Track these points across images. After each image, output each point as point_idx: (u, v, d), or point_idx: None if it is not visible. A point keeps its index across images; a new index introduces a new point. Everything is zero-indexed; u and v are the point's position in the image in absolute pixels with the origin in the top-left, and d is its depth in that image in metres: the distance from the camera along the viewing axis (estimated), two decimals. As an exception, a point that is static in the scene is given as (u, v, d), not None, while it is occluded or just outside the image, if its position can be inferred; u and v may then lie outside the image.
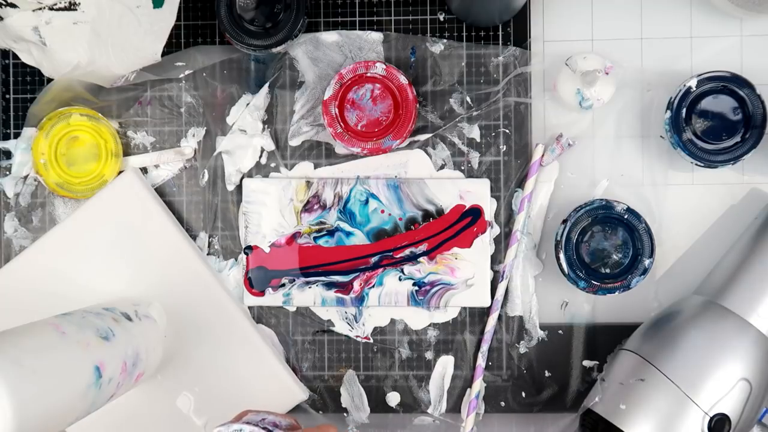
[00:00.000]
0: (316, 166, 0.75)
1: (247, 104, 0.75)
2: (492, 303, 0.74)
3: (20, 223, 0.76)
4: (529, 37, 0.75)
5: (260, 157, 0.76)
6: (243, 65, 0.76)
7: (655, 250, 0.71)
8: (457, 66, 0.75)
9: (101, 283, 0.74)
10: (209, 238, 0.76)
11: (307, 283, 0.74)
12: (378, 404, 0.75)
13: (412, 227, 0.74)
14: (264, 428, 0.56)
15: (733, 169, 0.75)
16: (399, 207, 0.74)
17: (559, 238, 0.71)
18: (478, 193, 0.74)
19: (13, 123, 0.76)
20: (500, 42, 0.75)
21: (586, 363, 0.75)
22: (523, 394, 0.75)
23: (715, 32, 0.75)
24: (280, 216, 0.74)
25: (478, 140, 0.75)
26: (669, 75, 0.74)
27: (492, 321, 0.74)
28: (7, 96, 0.76)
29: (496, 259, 0.75)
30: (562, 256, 0.71)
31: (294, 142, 0.76)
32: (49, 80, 0.74)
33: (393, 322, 0.75)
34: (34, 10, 0.68)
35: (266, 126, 0.75)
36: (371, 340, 0.75)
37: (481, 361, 0.75)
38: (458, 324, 0.75)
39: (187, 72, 0.75)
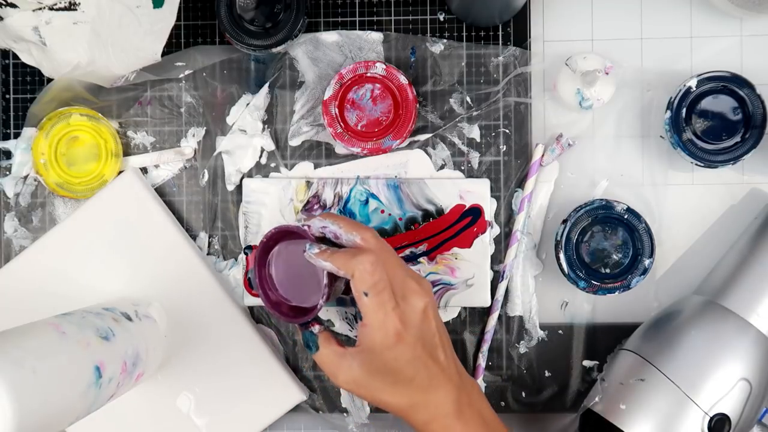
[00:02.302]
0: (316, 166, 0.75)
1: (247, 104, 0.75)
2: (492, 303, 0.74)
3: (20, 223, 0.76)
4: (529, 37, 0.75)
5: (260, 157, 0.76)
6: (243, 65, 0.76)
7: (655, 250, 0.71)
8: (457, 66, 0.75)
9: (101, 283, 0.74)
10: (209, 238, 0.76)
11: (307, 283, 0.74)
12: (378, 404, 0.75)
13: (412, 227, 0.74)
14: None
15: (733, 169, 0.75)
16: (399, 207, 0.74)
17: (559, 238, 0.71)
18: (478, 193, 0.74)
19: (13, 123, 0.76)
20: (500, 42, 0.75)
21: (586, 363, 0.75)
22: (523, 394, 0.75)
23: (715, 32, 0.75)
24: (280, 216, 0.74)
25: (478, 140, 0.75)
26: (669, 75, 0.74)
27: (492, 321, 0.74)
28: (7, 96, 0.76)
29: (496, 259, 0.75)
30: (562, 256, 0.71)
31: (294, 142, 0.76)
32: (49, 80, 0.74)
33: (393, 322, 0.75)
34: (34, 10, 0.68)
35: (266, 126, 0.75)
36: (371, 340, 0.75)
37: (481, 361, 0.75)
38: (458, 324, 0.75)
39: (187, 72, 0.75)
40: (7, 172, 0.76)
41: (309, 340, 0.63)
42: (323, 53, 0.75)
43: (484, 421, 0.62)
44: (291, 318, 0.65)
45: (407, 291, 0.60)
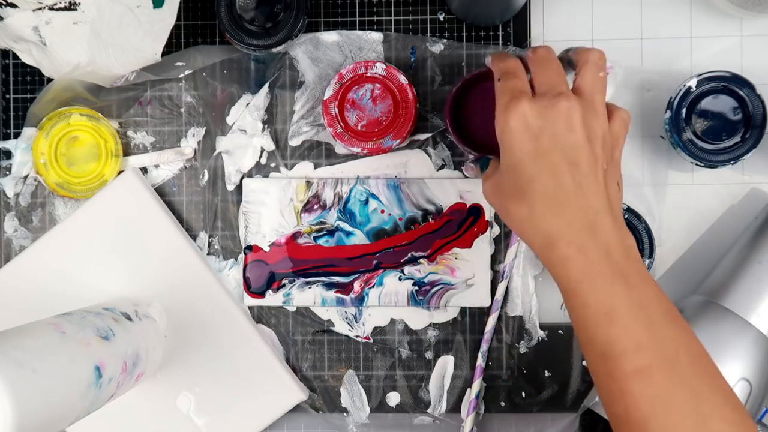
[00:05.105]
0: (316, 166, 0.75)
1: (247, 104, 0.75)
2: (492, 303, 0.74)
3: (20, 223, 0.76)
4: (529, 37, 0.75)
5: (260, 157, 0.76)
6: (243, 65, 0.76)
7: (655, 250, 0.71)
8: (457, 66, 0.75)
9: (101, 283, 0.74)
10: (209, 238, 0.76)
11: (307, 283, 0.74)
12: (378, 404, 0.75)
13: (412, 227, 0.74)
14: None
15: (733, 169, 0.75)
16: (399, 207, 0.74)
17: (559, 238, 0.71)
18: (478, 193, 0.74)
19: (13, 123, 0.76)
20: (500, 42, 0.75)
21: (586, 363, 0.75)
22: (523, 394, 0.75)
23: (715, 32, 0.75)
24: (280, 216, 0.74)
25: (478, 140, 0.75)
26: (669, 75, 0.74)
27: (492, 321, 0.74)
28: (7, 96, 0.76)
29: (496, 259, 0.75)
30: (562, 256, 0.71)
31: (294, 142, 0.76)
32: (49, 80, 0.74)
33: (393, 322, 0.75)
34: (34, 10, 0.68)
35: (266, 126, 0.75)
36: (371, 340, 0.75)
37: (481, 361, 0.75)
38: (458, 324, 0.75)
39: (187, 72, 0.75)
40: (7, 172, 0.76)
41: (483, 164, 0.73)
42: (323, 53, 0.75)
43: (607, 254, 0.54)
44: (478, 151, 0.69)
45: (559, 88, 0.57)
